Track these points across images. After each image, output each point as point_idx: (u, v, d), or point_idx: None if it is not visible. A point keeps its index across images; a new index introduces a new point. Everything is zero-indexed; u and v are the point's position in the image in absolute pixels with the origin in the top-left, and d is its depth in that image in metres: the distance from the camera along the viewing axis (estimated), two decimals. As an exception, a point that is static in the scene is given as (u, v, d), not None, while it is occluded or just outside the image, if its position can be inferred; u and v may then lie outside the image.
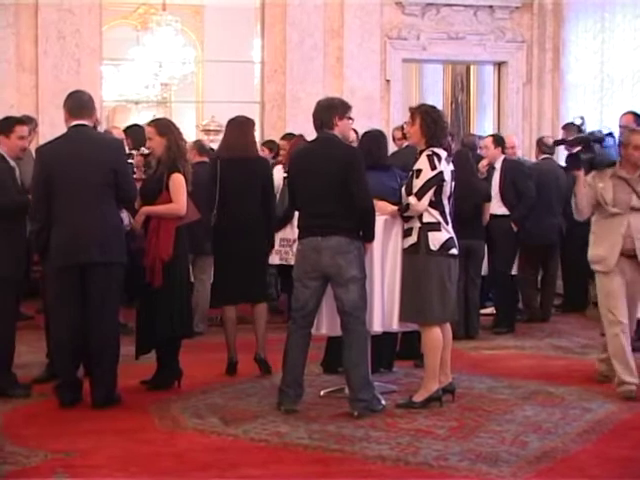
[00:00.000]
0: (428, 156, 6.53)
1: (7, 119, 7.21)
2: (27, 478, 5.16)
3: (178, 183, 7.02)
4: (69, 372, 6.68)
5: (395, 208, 6.64)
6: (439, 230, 6.53)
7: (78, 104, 6.82)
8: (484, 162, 9.84)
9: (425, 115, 6.63)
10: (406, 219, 6.60)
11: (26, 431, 6.05)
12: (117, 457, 5.51)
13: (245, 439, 5.89)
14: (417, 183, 6.50)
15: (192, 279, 8.16)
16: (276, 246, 8.58)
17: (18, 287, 7.08)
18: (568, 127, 10.91)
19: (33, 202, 6.75)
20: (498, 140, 10.17)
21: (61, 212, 6.60)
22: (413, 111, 6.75)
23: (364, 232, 6.46)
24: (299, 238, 6.58)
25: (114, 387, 6.70)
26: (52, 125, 10.82)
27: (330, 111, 6.60)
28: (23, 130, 7.12)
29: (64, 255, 6.58)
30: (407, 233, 6.60)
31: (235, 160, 7.73)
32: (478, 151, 10.15)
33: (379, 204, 6.60)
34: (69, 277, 6.60)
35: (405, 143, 9.94)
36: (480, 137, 11.21)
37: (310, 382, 7.01)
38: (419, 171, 6.53)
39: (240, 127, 7.91)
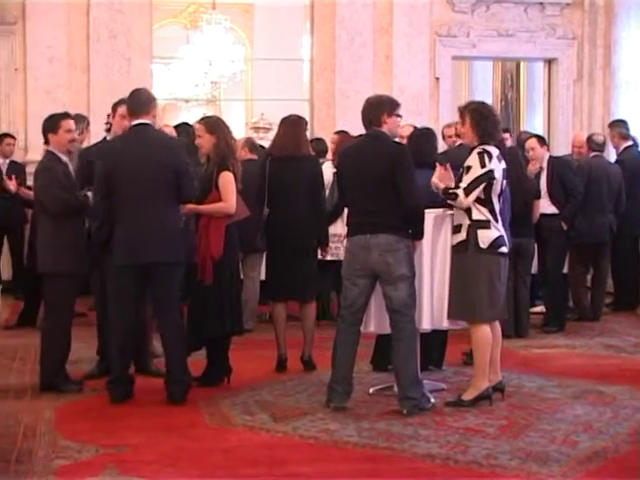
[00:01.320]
0: (479, 154, 6.51)
1: (52, 117, 7.26)
2: (79, 472, 5.20)
3: (227, 181, 7.04)
4: (123, 369, 6.74)
5: (441, 185, 6.57)
6: (489, 228, 6.50)
7: (138, 103, 6.84)
8: (535, 163, 9.78)
9: (474, 113, 6.60)
10: (449, 206, 6.57)
11: (78, 426, 6.11)
12: (167, 453, 5.55)
13: (294, 436, 5.91)
14: (466, 179, 6.48)
15: (242, 276, 8.18)
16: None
17: (76, 284, 7.15)
18: (614, 125, 10.88)
19: (95, 201, 6.76)
20: (543, 139, 10.16)
21: (123, 211, 6.63)
22: (462, 110, 6.72)
23: (412, 230, 6.45)
24: (348, 236, 6.59)
25: (189, 383, 6.77)
26: (103, 123, 10.90)
27: (379, 108, 6.59)
28: (68, 124, 7.18)
29: (127, 254, 6.61)
30: (456, 230, 6.58)
31: (285, 158, 7.79)
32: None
33: (448, 170, 6.58)
34: (129, 276, 6.63)
35: (458, 141, 9.90)
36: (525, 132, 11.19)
37: (359, 380, 7.00)
38: (469, 168, 6.51)
39: (292, 126, 7.95)
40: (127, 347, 6.74)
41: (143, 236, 6.60)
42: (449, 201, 6.53)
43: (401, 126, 7.40)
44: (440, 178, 6.59)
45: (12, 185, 10.47)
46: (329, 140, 10.63)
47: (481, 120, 6.55)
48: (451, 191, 6.49)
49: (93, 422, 6.24)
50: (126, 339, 6.72)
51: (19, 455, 5.46)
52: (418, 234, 6.48)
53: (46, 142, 7.18)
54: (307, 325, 7.81)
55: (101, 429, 6.05)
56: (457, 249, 6.57)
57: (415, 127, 8.77)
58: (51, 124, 7.13)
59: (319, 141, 10.91)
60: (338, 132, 10.59)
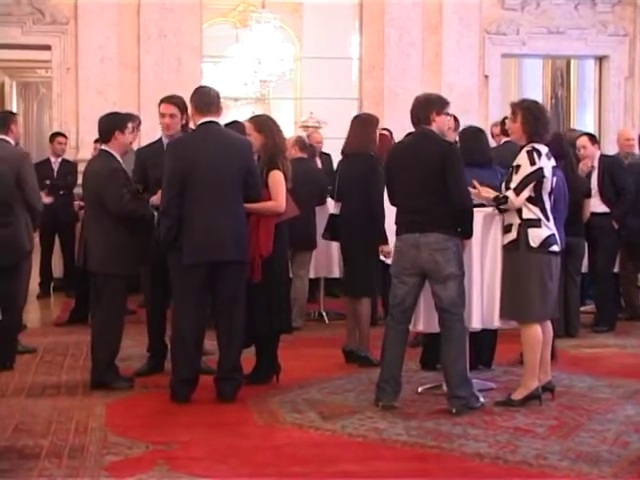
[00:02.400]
0: (528, 152, 6.47)
1: (117, 114, 7.34)
2: (129, 468, 5.23)
3: (277, 180, 7.06)
4: (189, 369, 6.71)
5: (491, 196, 6.57)
6: (539, 227, 6.46)
7: (206, 100, 6.83)
8: (587, 162, 9.71)
9: (527, 111, 6.56)
10: (503, 212, 6.55)
11: (128, 422, 6.15)
12: (217, 450, 5.57)
13: (343, 434, 5.92)
14: (516, 178, 6.45)
15: (291, 275, 8.21)
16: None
17: (126, 282, 7.21)
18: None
19: (166, 198, 6.72)
20: (594, 138, 10.09)
21: (193, 210, 6.61)
22: (514, 107, 6.68)
23: (461, 229, 6.43)
24: (397, 234, 6.58)
25: (241, 383, 6.79)
26: (153, 122, 10.92)
27: (427, 107, 6.59)
28: (131, 126, 7.26)
29: (197, 253, 6.59)
30: (507, 229, 6.55)
31: (350, 156, 7.95)
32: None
33: (479, 188, 6.56)
34: (199, 275, 6.62)
35: (503, 139, 9.85)
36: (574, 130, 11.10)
37: (408, 378, 7.01)
38: (518, 167, 6.48)
39: (362, 124, 7.99)
40: (192, 347, 6.73)
41: (214, 235, 6.59)
42: (501, 207, 6.50)
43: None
44: (478, 196, 6.57)
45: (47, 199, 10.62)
46: None
47: (532, 120, 6.51)
48: (501, 196, 6.47)
49: (143, 419, 6.29)
50: (191, 339, 6.71)
51: (71, 451, 5.51)
52: (467, 233, 6.46)
53: (103, 140, 7.20)
54: (357, 321, 7.84)
55: (151, 426, 6.10)
56: (508, 248, 6.54)
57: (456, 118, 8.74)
58: (118, 122, 7.16)
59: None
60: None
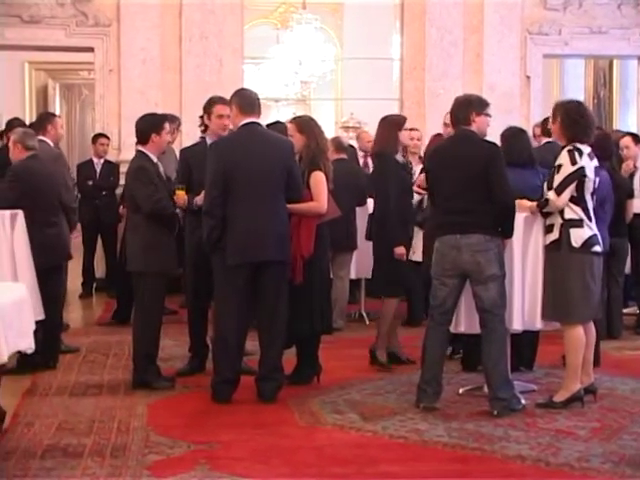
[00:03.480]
0: (569, 151, 6.44)
1: (154, 116, 7.36)
2: (171, 468, 5.26)
3: (318, 181, 7.07)
4: (231, 369, 6.73)
5: (533, 204, 6.55)
6: (581, 227, 6.42)
7: (249, 101, 6.86)
8: (629, 163, 9.64)
9: (566, 113, 6.52)
10: (546, 215, 6.52)
11: (170, 422, 6.18)
12: (258, 450, 5.59)
13: (384, 435, 5.91)
14: (557, 178, 6.42)
15: (331, 275, 8.22)
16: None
17: (165, 283, 7.24)
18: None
19: (209, 199, 6.74)
20: (637, 138, 9.99)
21: (236, 210, 6.63)
22: (554, 108, 6.66)
23: (503, 228, 6.41)
24: (437, 235, 6.56)
25: (282, 384, 6.80)
26: (194, 123, 10.97)
27: (467, 108, 6.57)
28: (169, 127, 7.29)
29: (240, 253, 6.61)
30: (548, 229, 6.51)
31: (376, 157, 8.04)
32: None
33: (517, 202, 6.53)
34: (241, 275, 6.63)
35: (544, 140, 9.79)
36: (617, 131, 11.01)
37: (449, 380, 6.99)
38: (559, 166, 6.44)
39: (386, 126, 7.99)
40: (233, 348, 6.74)
41: (257, 235, 6.61)
42: (544, 210, 6.47)
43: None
44: (520, 208, 6.54)
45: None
46: None
47: (570, 123, 6.48)
48: (542, 200, 6.45)
49: (185, 418, 6.32)
50: (233, 339, 6.72)
51: (113, 450, 5.55)
52: (508, 232, 6.43)
53: (139, 142, 7.25)
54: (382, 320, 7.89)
55: (192, 425, 6.12)
56: (550, 249, 6.50)
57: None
58: (155, 125, 7.20)
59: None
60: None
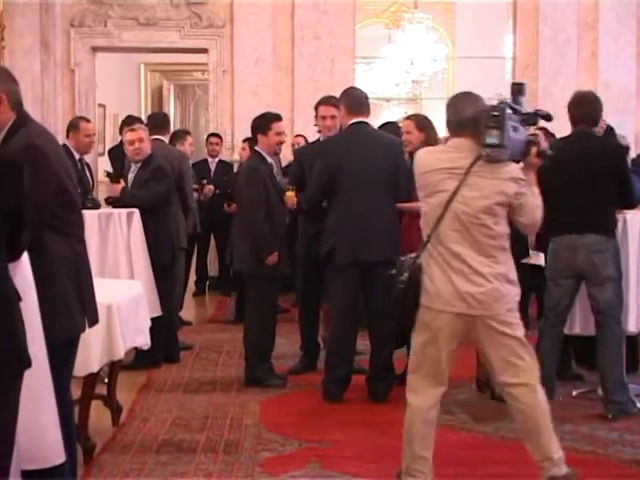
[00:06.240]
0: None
1: (262, 117, 7.40)
2: (283, 465, 5.32)
3: (431, 180, 7.03)
4: (342, 368, 6.77)
5: None
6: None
7: (358, 101, 6.88)
8: None
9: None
10: None
11: (282, 420, 6.24)
12: (369, 449, 5.61)
13: (495, 437, 5.88)
14: None
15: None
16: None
17: (276, 282, 7.29)
18: None
19: (316, 197, 6.84)
20: None
21: (345, 209, 6.67)
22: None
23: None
24: (551, 235, 6.47)
25: (393, 383, 6.82)
26: (306, 123, 11.09)
27: (600, 109, 6.48)
28: (280, 126, 7.33)
29: (350, 253, 6.65)
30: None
31: None
32: None
33: None
34: (352, 274, 6.66)
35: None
36: None
37: (562, 382, 6.89)
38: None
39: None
40: (345, 346, 6.79)
41: (366, 235, 6.63)
42: None
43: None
44: None
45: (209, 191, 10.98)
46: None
47: None
48: None
49: (296, 417, 6.37)
50: (344, 338, 6.77)
51: (226, 446, 5.64)
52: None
53: (255, 141, 7.34)
54: None
55: (304, 424, 6.18)
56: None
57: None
58: (262, 124, 7.27)
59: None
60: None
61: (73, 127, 8.09)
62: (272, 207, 7.13)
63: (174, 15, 12.74)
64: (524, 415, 4.68)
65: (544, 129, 7.46)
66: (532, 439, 4.70)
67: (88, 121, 8.37)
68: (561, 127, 6.79)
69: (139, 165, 7.86)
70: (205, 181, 11.37)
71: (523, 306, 9.33)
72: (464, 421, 6.21)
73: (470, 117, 4.61)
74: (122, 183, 7.80)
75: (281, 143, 7.36)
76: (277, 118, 7.36)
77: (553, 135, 7.90)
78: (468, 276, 4.54)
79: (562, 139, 6.77)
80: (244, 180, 7.26)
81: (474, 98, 4.76)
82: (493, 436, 5.90)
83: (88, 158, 9.05)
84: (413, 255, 4.77)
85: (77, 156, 8.07)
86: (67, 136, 8.16)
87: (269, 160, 7.26)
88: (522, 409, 4.68)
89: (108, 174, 8.08)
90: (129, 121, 10.61)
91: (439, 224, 4.59)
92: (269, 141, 7.22)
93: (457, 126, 4.67)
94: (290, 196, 7.33)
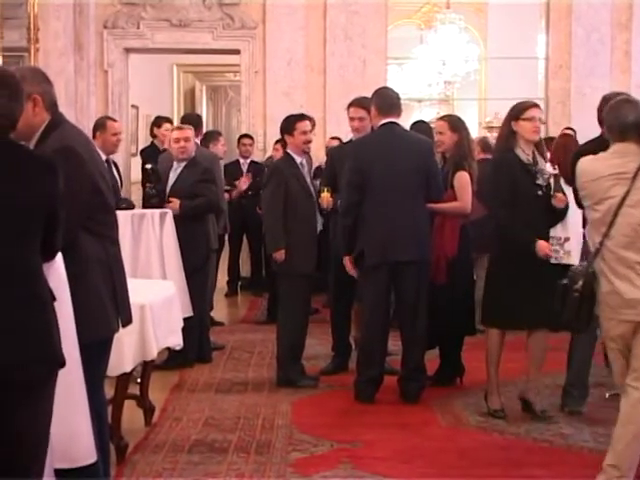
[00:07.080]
0: None
1: (288, 118, 7.43)
2: (314, 465, 5.33)
3: (464, 181, 7.02)
4: (374, 369, 6.76)
5: None
6: None
7: (388, 102, 6.89)
8: None
9: None
10: None
11: (313, 420, 6.26)
12: (401, 450, 5.61)
13: (527, 439, 5.87)
14: None
15: (474, 277, 8.14)
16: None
17: (309, 283, 7.29)
18: None
19: (348, 198, 6.82)
20: None
21: (374, 210, 6.66)
22: None
23: None
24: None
25: (425, 384, 6.82)
26: (338, 124, 11.09)
27: None
28: (304, 125, 7.33)
29: (379, 253, 6.65)
30: None
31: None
32: None
33: None
34: (382, 275, 6.66)
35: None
36: None
37: (595, 383, 6.85)
38: None
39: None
40: (377, 347, 6.78)
41: (395, 235, 6.62)
42: None
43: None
44: None
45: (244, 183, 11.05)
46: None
47: None
48: None
49: (328, 417, 6.38)
50: (376, 339, 6.77)
51: (258, 446, 5.66)
52: None
53: (284, 143, 7.38)
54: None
55: (336, 424, 6.18)
56: None
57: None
58: (287, 125, 7.30)
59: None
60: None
61: (100, 126, 8.10)
62: (297, 206, 7.15)
63: (207, 16, 12.78)
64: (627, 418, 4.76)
65: None
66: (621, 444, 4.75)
67: (114, 120, 8.40)
68: (594, 128, 6.75)
69: (183, 164, 7.93)
70: (237, 182, 11.39)
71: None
72: (496, 422, 6.19)
73: (633, 122, 4.71)
74: (177, 200, 7.82)
75: (308, 142, 7.36)
76: (301, 118, 7.39)
77: None
78: (634, 282, 4.62)
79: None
80: (265, 179, 7.46)
81: (635, 103, 4.85)
82: (525, 438, 5.88)
83: (120, 158, 9.09)
84: (584, 264, 4.87)
85: (104, 156, 8.09)
86: (94, 136, 8.16)
87: (298, 160, 7.27)
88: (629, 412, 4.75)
89: (152, 170, 8.13)
90: (158, 122, 10.70)
91: (609, 231, 4.66)
92: (295, 141, 7.25)
93: (620, 131, 4.76)
94: (325, 197, 7.34)
